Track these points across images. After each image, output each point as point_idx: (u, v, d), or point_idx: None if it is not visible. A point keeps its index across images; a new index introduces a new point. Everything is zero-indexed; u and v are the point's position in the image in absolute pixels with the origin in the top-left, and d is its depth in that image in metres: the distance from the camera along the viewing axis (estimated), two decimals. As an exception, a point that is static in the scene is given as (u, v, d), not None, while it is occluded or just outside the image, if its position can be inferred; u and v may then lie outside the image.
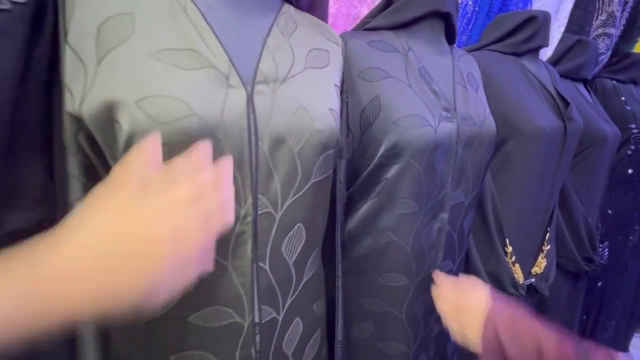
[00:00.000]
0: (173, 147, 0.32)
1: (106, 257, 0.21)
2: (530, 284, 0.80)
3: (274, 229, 0.39)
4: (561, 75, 0.93)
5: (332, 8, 0.92)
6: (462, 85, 0.60)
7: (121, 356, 0.40)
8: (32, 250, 0.20)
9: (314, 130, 0.39)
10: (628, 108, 1.10)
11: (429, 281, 0.57)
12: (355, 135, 0.53)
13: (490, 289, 0.47)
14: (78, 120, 0.33)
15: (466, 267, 0.71)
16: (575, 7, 1.18)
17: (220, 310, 0.38)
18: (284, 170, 0.38)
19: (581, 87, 1.01)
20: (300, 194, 0.40)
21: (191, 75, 0.33)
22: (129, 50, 0.32)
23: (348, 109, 0.52)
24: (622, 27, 1.21)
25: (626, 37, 1.23)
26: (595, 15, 1.18)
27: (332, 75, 0.46)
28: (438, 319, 0.62)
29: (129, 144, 0.32)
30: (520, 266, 0.77)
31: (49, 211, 0.37)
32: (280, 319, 0.42)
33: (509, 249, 0.75)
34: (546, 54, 1.09)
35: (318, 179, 0.41)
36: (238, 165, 0.35)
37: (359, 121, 0.52)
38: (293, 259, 0.42)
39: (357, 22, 0.66)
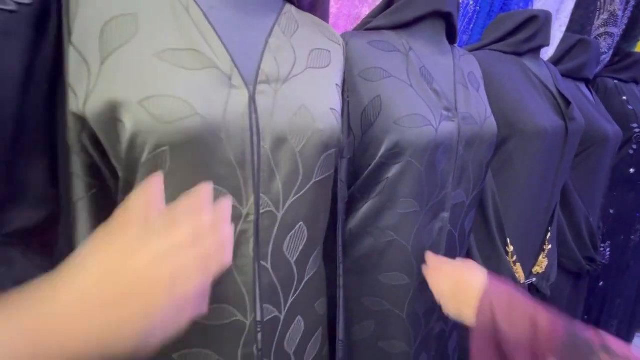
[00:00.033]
0: (176, 147, 0.32)
1: (107, 299, 0.21)
2: (532, 283, 0.80)
3: (276, 228, 0.39)
4: (563, 75, 0.92)
5: (334, 8, 0.92)
6: (463, 84, 0.60)
7: (124, 354, 0.40)
8: (35, 290, 0.21)
9: (316, 130, 0.39)
10: (630, 107, 1.10)
11: (430, 280, 0.57)
12: (356, 135, 0.53)
13: (487, 272, 0.48)
14: (82, 120, 0.33)
15: (467, 267, 0.71)
16: (577, 6, 1.18)
17: (223, 308, 0.38)
18: (286, 169, 0.38)
19: (583, 86, 1.01)
20: (301, 193, 0.40)
21: (194, 75, 0.33)
22: (132, 51, 0.33)
23: (349, 109, 0.52)
24: (624, 27, 1.20)
25: (628, 36, 1.23)
26: (597, 14, 1.18)
27: (334, 75, 0.46)
28: (439, 318, 0.62)
29: (132, 143, 0.32)
30: (522, 266, 0.77)
31: (53, 210, 0.38)
32: (282, 317, 0.42)
33: (510, 248, 0.75)
34: (547, 53, 1.09)
35: (319, 178, 0.42)
36: (240, 164, 0.36)
37: (360, 121, 0.52)
38: (295, 258, 0.42)
39: (358, 22, 0.66)
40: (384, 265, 0.55)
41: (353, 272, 0.56)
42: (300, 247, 0.42)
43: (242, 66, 0.36)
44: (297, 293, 0.44)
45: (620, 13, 1.16)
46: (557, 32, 1.17)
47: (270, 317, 0.41)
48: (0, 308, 0.19)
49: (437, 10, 0.56)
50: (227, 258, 0.27)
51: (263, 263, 0.39)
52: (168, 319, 0.23)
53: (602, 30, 1.17)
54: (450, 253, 0.60)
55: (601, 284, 1.23)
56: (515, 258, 0.76)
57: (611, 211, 1.17)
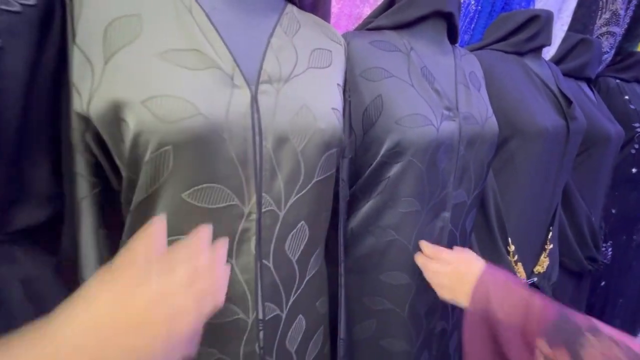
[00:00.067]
0: (179, 146, 0.33)
1: (106, 337, 0.22)
2: (533, 283, 0.80)
3: (278, 227, 0.39)
4: (564, 74, 0.92)
5: (335, 8, 0.92)
6: (464, 84, 0.60)
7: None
8: (36, 328, 0.21)
9: (317, 130, 0.39)
10: (632, 107, 1.10)
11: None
12: (357, 135, 0.53)
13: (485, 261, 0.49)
14: (85, 119, 0.34)
15: (468, 266, 0.72)
16: (579, 5, 1.18)
17: (225, 306, 0.38)
18: (288, 168, 0.39)
19: (584, 86, 1.00)
20: (303, 192, 0.40)
21: (196, 75, 0.34)
22: (136, 51, 0.33)
23: (351, 108, 0.53)
24: (626, 26, 1.20)
25: (630, 35, 1.22)
26: (599, 13, 1.17)
27: (335, 75, 0.46)
28: (440, 317, 0.62)
29: (136, 143, 0.33)
30: (523, 265, 0.77)
31: (57, 209, 0.38)
32: (283, 316, 0.42)
33: (511, 248, 0.75)
34: (549, 53, 1.09)
35: (321, 177, 0.42)
36: (242, 164, 0.36)
37: (361, 120, 0.53)
38: (296, 257, 0.42)
39: (360, 21, 0.66)
40: (385, 264, 0.55)
41: (354, 271, 0.56)
42: (302, 246, 0.43)
43: (244, 66, 0.37)
44: (298, 292, 0.44)
45: (622, 12, 1.15)
46: (559, 31, 1.16)
47: (272, 315, 0.41)
48: (4, 351, 0.20)
49: (438, 10, 0.56)
50: (220, 299, 0.29)
51: (265, 262, 0.39)
52: (163, 356, 0.24)
53: (604, 29, 1.17)
54: (452, 252, 0.60)
55: (603, 283, 1.23)
56: (516, 258, 0.76)
57: (613, 211, 1.17)
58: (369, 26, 0.60)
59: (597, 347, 0.32)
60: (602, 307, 1.24)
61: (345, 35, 0.54)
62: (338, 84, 0.46)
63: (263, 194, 0.38)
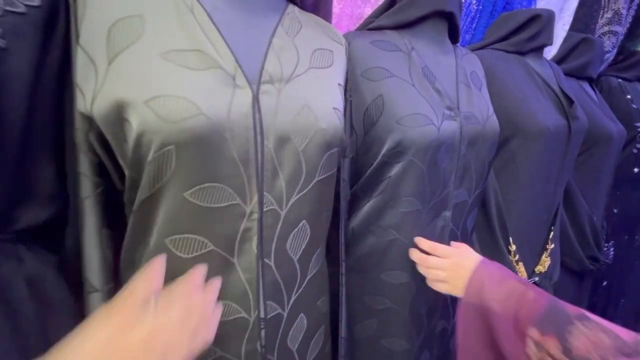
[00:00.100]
0: (181, 146, 0.33)
1: None
2: (534, 283, 0.80)
3: (279, 226, 0.40)
4: (566, 74, 0.92)
5: (336, 8, 0.92)
6: (465, 84, 0.60)
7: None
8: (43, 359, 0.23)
9: (318, 129, 0.40)
10: (634, 106, 1.09)
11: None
12: (358, 134, 0.54)
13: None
14: (89, 119, 0.34)
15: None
16: (581, 5, 1.18)
17: (227, 305, 0.39)
18: (289, 168, 0.39)
19: (586, 85, 1.00)
20: (304, 191, 0.41)
21: (198, 75, 0.34)
22: (138, 51, 0.33)
23: (352, 108, 0.53)
24: (628, 25, 1.19)
25: (632, 34, 1.22)
26: (601, 13, 1.17)
27: (336, 75, 0.46)
28: (441, 316, 0.62)
29: (139, 142, 0.33)
30: (524, 265, 0.77)
31: (61, 208, 0.39)
32: (285, 314, 0.43)
33: (513, 247, 0.75)
34: (551, 52, 1.08)
35: (322, 177, 0.42)
36: (244, 163, 0.36)
37: (362, 120, 0.53)
38: (297, 256, 0.43)
39: (361, 21, 0.66)
40: (386, 263, 0.55)
41: (355, 270, 0.56)
42: (303, 246, 0.43)
43: (246, 66, 0.37)
44: (299, 291, 0.44)
45: (624, 11, 1.15)
46: (561, 30, 1.16)
47: (273, 314, 0.41)
48: None
49: (439, 10, 0.56)
50: (210, 336, 0.32)
51: (266, 261, 0.39)
52: None
53: (606, 28, 1.17)
54: (453, 252, 0.60)
55: (605, 283, 1.22)
56: (517, 257, 0.76)
57: (615, 210, 1.16)
58: (370, 26, 0.60)
59: (585, 334, 0.33)
60: (604, 307, 1.23)
61: (346, 35, 0.54)
62: (339, 84, 0.46)
63: (265, 194, 0.38)
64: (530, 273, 0.80)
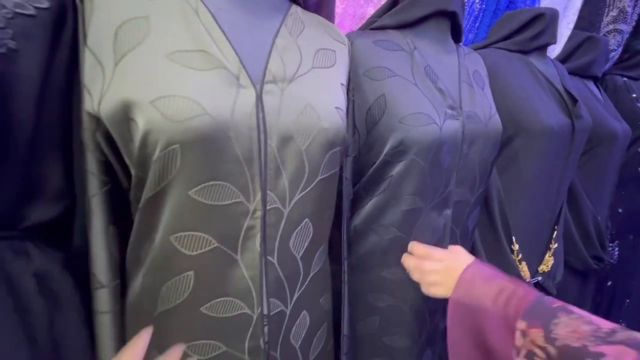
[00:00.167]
0: (186, 145, 0.33)
1: None
2: (537, 282, 0.80)
3: (282, 224, 0.40)
4: (570, 73, 0.92)
5: (339, 8, 0.92)
6: (467, 83, 0.60)
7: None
8: None
9: (321, 129, 0.40)
10: (639, 105, 1.09)
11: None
12: (361, 133, 0.54)
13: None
14: (96, 119, 0.35)
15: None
16: (585, 3, 1.17)
17: (231, 301, 0.39)
18: (292, 167, 0.39)
19: (591, 84, 1.00)
20: (307, 190, 0.41)
21: (203, 75, 0.34)
22: (144, 52, 0.34)
23: (354, 108, 0.53)
24: (634, 23, 1.18)
25: (638, 33, 1.21)
26: (606, 11, 1.16)
27: (339, 75, 0.47)
28: (443, 315, 0.62)
29: (145, 141, 0.33)
30: (527, 264, 0.77)
31: (68, 206, 0.39)
32: (287, 311, 0.43)
33: (516, 246, 0.74)
34: (555, 51, 1.08)
35: (325, 175, 0.42)
36: (248, 162, 0.37)
37: (365, 119, 0.53)
38: (300, 254, 0.43)
39: (363, 21, 0.67)
40: (388, 261, 0.56)
41: (357, 268, 0.57)
42: (306, 243, 0.43)
43: (250, 66, 0.37)
44: (302, 288, 0.45)
45: (629, 9, 1.14)
46: (565, 29, 1.15)
47: (276, 311, 0.42)
48: None
49: (442, 9, 0.56)
50: None
51: (270, 258, 0.40)
52: None
53: (611, 27, 1.16)
54: (454, 250, 0.60)
55: (609, 283, 1.21)
56: (520, 256, 0.75)
57: (620, 210, 1.15)
58: (373, 26, 0.60)
59: (569, 325, 0.35)
60: (608, 307, 1.22)
61: (349, 35, 0.54)
62: (342, 84, 0.47)
63: (268, 192, 0.38)
64: (534, 272, 0.79)
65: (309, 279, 0.45)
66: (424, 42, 0.58)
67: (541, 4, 1.14)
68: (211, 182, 0.35)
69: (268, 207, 0.39)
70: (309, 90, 0.41)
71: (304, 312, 0.46)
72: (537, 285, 0.80)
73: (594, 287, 1.08)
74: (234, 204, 0.37)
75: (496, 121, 0.62)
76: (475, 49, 0.76)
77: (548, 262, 0.81)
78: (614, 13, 1.14)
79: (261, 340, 0.41)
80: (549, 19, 0.76)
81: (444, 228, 0.57)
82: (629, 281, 1.21)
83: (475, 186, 0.61)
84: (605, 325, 0.35)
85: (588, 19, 1.16)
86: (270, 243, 0.40)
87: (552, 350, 0.35)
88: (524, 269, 0.76)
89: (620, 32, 1.15)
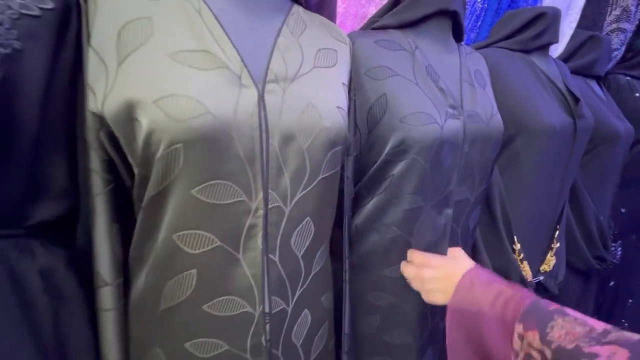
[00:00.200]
0: (189, 144, 0.34)
1: None
2: (539, 282, 0.80)
3: (284, 222, 0.40)
4: (573, 72, 0.91)
5: (341, 8, 0.93)
6: (469, 82, 0.60)
7: (139, 343, 0.42)
8: None
9: (323, 128, 0.40)
10: (642, 104, 1.08)
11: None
12: (362, 133, 0.54)
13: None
14: (100, 118, 0.35)
15: (473, 264, 0.72)
16: (588, 2, 1.16)
17: (233, 300, 0.39)
18: (294, 166, 0.40)
19: (593, 83, 0.99)
20: (308, 189, 0.41)
21: (206, 75, 0.35)
22: (148, 52, 0.34)
23: (355, 107, 0.53)
24: (637, 22, 1.18)
25: (641, 32, 1.20)
26: (609, 10, 1.16)
27: (340, 74, 0.47)
28: (444, 314, 0.62)
29: (148, 141, 0.34)
30: (529, 264, 0.77)
31: (72, 205, 0.40)
32: (289, 310, 0.43)
33: (517, 246, 0.74)
34: (557, 50, 1.07)
35: (326, 174, 0.43)
36: (250, 161, 0.37)
37: (366, 119, 0.53)
38: (302, 252, 0.43)
39: (365, 21, 0.67)
40: (389, 260, 0.56)
41: (358, 267, 0.57)
42: (307, 242, 0.44)
43: (252, 66, 0.38)
44: (304, 287, 0.45)
45: (633, 8, 1.14)
46: (567, 28, 1.15)
47: (278, 309, 0.42)
48: None
49: (443, 9, 0.56)
50: None
51: (271, 257, 0.40)
52: None
53: (614, 26, 1.15)
54: (455, 249, 0.60)
55: (612, 283, 1.21)
56: (522, 256, 0.75)
57: (623, 210, 1.15)
58: (374, 25, 0.60)
59: (564, 327, 0.36)
60: (610, 307, 1.22)
61: (350, 35, 0.55)
62: (343, 83, 0.47)
63: (269, 191, 0.39)
64: (535, 272, 0.79)
65: (310, 277, 0.46)
66: (426, 41, 0.58)
67: (543, 3, 1.14)
68: (213, 181, 0.36)
69: (270, 206, 0.39)
70: (311, 90, 0.41)
71: (306, 310, 0.46)
72: (539, 285, 0.80)
73: (596, 287, 1.08)
74: (236, 202, 0.37)
75: (497, 120, 0.62)
76: (477, 48, 0.76)
77: (550, 262, 0.81)
78: (617, 12, 1.14)
79: (263, 338, 0.41)
80: (551, 18, 0.76)
81: (444, 227, 0.57)
82: (632, 281, 1.21)
83: (476, 185, 0.61)
84: (599, 326, 0.35)
85: (591, 17, 1.16)
86: (272, 242, 0.40)
87: (548, 352, 0.35)
88: (525, 268, 0.76)
89: (623, 31, 1.14)
